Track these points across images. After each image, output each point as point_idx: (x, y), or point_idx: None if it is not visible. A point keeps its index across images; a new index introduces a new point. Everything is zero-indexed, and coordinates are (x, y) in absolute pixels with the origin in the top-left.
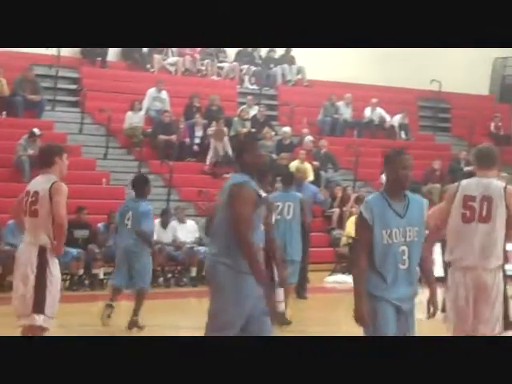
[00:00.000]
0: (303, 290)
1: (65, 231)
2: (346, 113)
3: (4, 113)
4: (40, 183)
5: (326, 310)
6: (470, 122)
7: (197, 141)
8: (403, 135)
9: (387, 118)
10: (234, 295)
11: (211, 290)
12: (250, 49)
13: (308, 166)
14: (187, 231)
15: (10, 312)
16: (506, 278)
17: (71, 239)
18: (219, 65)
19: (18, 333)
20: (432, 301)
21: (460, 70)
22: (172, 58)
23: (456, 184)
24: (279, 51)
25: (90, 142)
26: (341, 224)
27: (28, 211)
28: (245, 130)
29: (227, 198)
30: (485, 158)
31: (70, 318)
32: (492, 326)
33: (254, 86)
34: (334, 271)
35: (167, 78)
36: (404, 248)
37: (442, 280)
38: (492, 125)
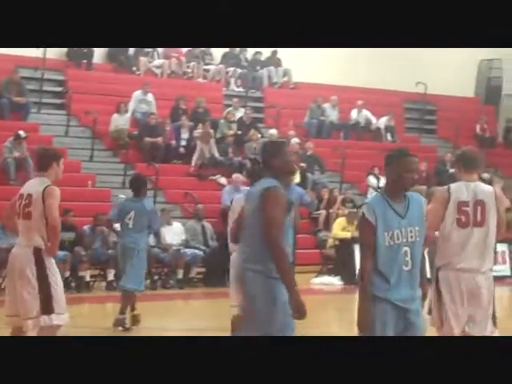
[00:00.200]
0: None
1: (58, 233)
2: (333, 115)
3: None
4: (34, 186)
5: (314, 312)
6: (456, 124)
7: (183, 143)
8: (389, 137)
9: (373, 120)
10: (265, 301)
11: (243, 296)
12: (236, 51)
13: None
14: (173, 233)
15: None
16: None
17: None
18: (205, 67)
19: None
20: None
21: (446, 72)
22: (158, 61)
23: (445, 188)
24: (265, 53)
25: (75, 145)
26: (327, 226)
27: (21, 213)
28: (231, 133)
29: (259, 202)
30: (471, 162)
31: None
32: (484, 326)
33: (240, 89)
34: (320, 273)
35: (153, 81)
36: (406, 249)
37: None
38: (477, 127)
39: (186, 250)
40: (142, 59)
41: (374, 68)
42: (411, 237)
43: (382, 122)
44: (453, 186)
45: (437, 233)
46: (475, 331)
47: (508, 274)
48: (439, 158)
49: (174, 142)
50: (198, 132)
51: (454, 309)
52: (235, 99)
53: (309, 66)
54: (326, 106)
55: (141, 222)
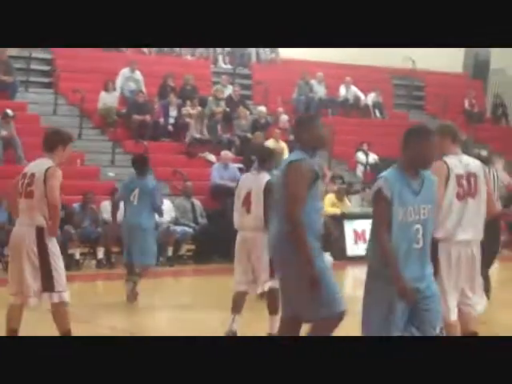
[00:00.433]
0: None
1: (59, 212)
2: (320, 91)
3: None
4: (37, 166)
5: None
6: (444, 100)
7: (171, 121)
8: (378, 114)
9: (362, 96)
10: (298, 269)
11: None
12: None
13: (283, 145)
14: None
15: None
16: None
17: None
18: None
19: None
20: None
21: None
22: None
23: (442, 162)
24: None
25: (63, 123)
26: None
27: (24, 192)
28: (220, 110)
29: (282, 176)
30: (458, 135)
31: None
32: (477, 292)
33: (228, 66)
34: None
35: (141, 58)
36: (418, 226)
37: None
38: (466, 102)
39: (176, 227)
40: None
41: None
42: (423, 214)
43: (370, 98)
44: (448, 160)
45: None
46: (470, 296)
47: None
48: None
49: (162, 120)
50: (186, 109)
51: (450, 281)
52: (223, 76)
53: None
54: (313, 82)
55: (145, 199)
